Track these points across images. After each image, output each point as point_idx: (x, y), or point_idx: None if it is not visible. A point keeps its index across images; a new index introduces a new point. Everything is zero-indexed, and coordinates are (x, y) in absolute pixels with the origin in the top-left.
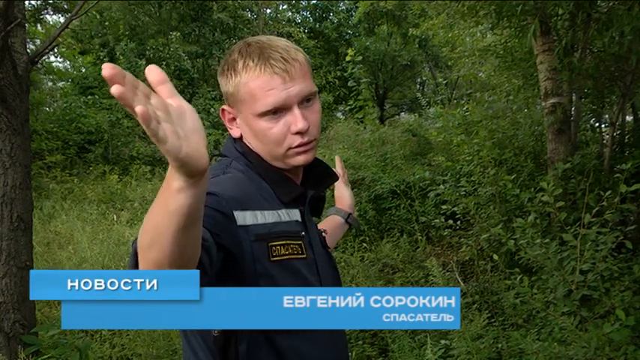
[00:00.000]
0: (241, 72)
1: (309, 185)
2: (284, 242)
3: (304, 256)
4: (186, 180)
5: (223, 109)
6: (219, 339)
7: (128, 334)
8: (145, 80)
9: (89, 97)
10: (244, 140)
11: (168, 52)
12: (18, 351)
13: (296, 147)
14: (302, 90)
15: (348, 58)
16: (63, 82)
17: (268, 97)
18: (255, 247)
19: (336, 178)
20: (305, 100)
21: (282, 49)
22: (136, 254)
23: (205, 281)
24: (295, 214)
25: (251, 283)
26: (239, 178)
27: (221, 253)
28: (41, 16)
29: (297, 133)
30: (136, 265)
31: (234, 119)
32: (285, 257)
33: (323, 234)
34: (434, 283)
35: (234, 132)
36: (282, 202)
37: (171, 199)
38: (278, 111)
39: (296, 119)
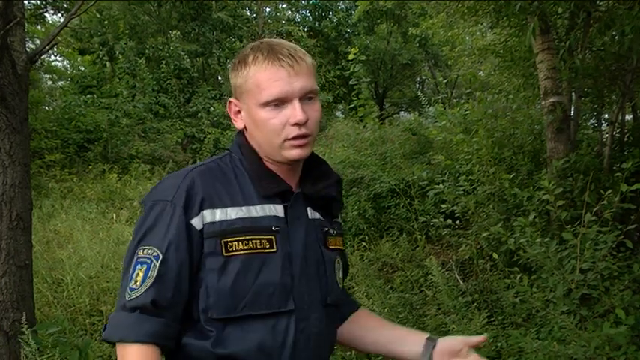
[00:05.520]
0: (251, 64)
1: (306, 184)
2: (242, 238)
3: (274, 250)
4: None
5: (230, 102)
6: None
7: None
8: (144, 79)
9: (88, 95)
10: (246, 132)
11: (167, 51)
12: (18, 350)
13: (292, 139)
14: (305, 85)
15: (350, 57)
16: (62, 81)
17: (272, 88)
18: (207, 243)
19: (334, 177)
20: (307, 98)
21: (291, 48)
22: None
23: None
24: (276, 210)
25: (197, 275)
26: (210, 173)
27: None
28: (41, 13)
29: (295, 124)
30: None
31: (239, 112)
32: (241, 252)
33: (329, 232)
34: (433, 282)
35: (238, 124)
36: (262, 196)
37: None
38: (280, 103)
39: (295, 111)
